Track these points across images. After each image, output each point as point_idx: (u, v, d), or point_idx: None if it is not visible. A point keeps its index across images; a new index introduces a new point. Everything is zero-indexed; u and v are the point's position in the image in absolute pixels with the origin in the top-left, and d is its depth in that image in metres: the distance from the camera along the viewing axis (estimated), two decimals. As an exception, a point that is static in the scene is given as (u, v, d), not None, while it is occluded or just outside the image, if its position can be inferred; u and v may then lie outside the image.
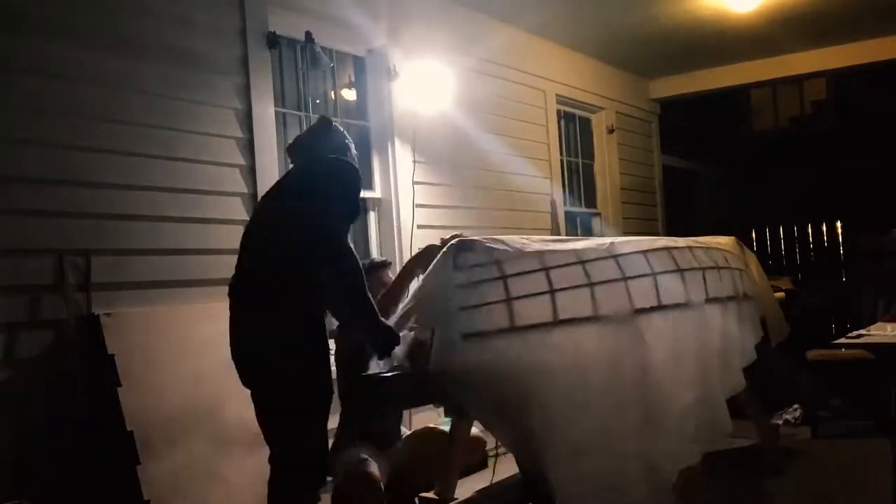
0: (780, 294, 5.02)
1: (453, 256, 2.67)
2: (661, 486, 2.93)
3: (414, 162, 4.80)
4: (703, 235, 3.96)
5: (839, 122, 9.91)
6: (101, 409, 3.07)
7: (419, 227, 4.76)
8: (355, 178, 2.68)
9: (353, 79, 4.82)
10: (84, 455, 3.01)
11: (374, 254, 4.71)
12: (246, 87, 3.85)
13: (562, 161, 6.58)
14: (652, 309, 3.07)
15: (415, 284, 2.99)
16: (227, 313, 2.69)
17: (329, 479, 2.95)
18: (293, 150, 2.92)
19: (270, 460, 2.70)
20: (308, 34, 4.17)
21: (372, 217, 4.76)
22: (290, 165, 3.05)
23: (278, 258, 2.60)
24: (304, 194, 2.66)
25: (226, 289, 2.71)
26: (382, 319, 2.66)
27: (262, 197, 2.99)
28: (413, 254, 4.66)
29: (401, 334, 2.70)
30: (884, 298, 6.26)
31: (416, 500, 3.67)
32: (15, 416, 2.91)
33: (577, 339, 2.82)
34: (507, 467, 3.79)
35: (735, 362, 3.51)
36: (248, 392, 2.71)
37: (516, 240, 2.86)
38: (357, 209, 2.73)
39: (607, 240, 3.24)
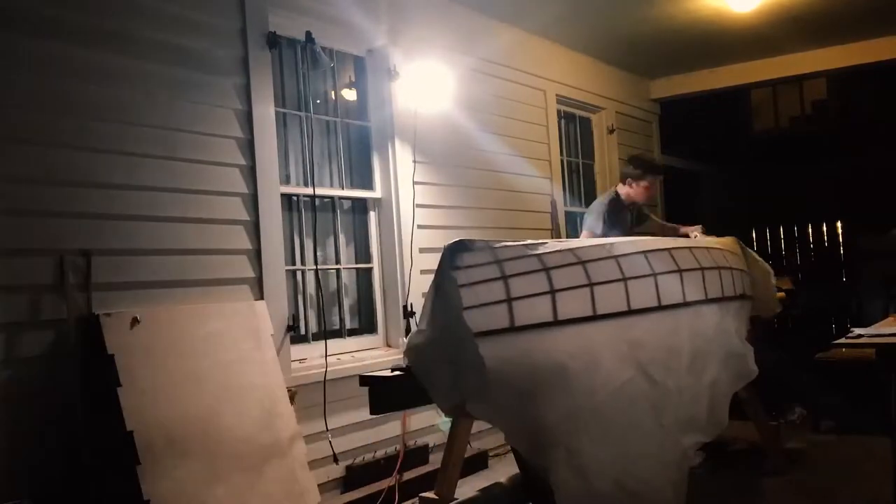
0: (781, 294, 5.01)
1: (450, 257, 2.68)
2: (662, 485, 2.93)
3: (414, 162, 4.80)
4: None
5: (839, 121, 9.91)
6: (101, 409, 3.06)
7: (419, 226, 4.76)
8: None
9: (353, 79, 4.82)
10: (84, 455, 3.01)
11: (375, 253, 4.71)
12: (246, 87, 3.85)
13: (562, 161, 6.57)
14: (653, 309, 3.07)
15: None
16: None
17: None
18: None
19: None
20: (308, 34, 4.16)
21: (372, 217, 4.75)
22: None
23: None
24: None
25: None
26: None
27: None
28: (413, 253, 4.68)
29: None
30: (884, 298, 6.25)
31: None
32: (15, 416, 2.91)
33: (581, 338, 2.82)
34: (507, 467, 3.79)
35: (735, 357, 3.52)
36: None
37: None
38: None
39: (608, 240, 3.24)
